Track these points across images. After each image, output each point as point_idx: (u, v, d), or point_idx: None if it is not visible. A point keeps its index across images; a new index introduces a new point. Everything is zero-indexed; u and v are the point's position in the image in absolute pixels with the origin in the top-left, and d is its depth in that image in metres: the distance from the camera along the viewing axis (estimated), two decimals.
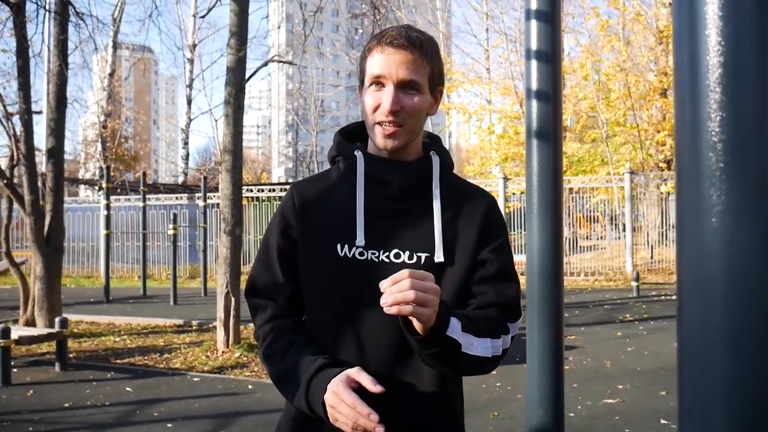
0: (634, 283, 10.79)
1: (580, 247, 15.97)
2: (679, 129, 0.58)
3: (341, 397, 1.15)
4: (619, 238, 15.12)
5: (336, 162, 1.40)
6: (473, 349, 1.21)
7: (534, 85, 1.86)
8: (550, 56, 1.85)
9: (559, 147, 1.87)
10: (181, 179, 26.78)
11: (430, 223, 1.30)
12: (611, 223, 16.41)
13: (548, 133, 1.85)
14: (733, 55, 0.55)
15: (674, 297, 6.80)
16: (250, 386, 5.44)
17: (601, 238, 16.72)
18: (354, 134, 1.43)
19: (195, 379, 5.71)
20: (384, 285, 1.10)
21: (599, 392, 5.09)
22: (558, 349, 1.88)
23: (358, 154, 1.33)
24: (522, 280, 1.79)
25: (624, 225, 14.12)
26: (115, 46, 22.04)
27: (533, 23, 1.88)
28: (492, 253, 1.32)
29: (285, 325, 1.37)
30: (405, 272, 1.10)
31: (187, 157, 26.13)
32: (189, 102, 25.40)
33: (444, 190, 1.33)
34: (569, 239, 14.94)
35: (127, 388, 5.39)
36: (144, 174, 13.05)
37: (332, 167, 1.42)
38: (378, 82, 1.27)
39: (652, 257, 14.87)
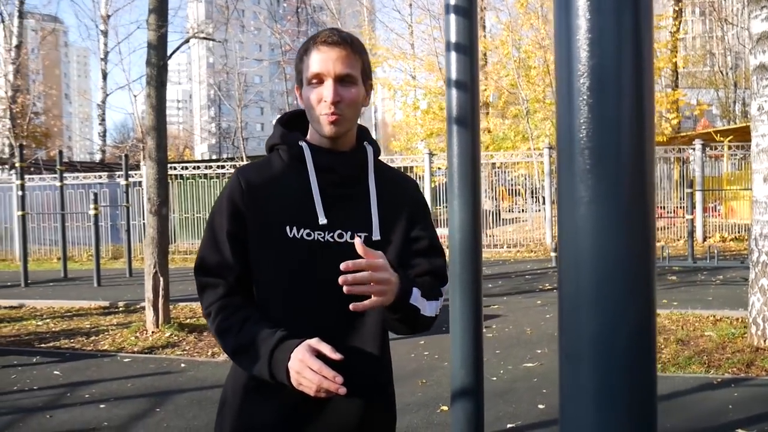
0: (553, 254, 11.35)
1: (503, 219, 16.55)
2: (558, 137, 0.75)
3: (307, 364, 1.29)
4: (540, 210, 15.77)
5: (276, 150, 1.53)
6: (426, 311, 1.44)
7: (454, 75, 2.02)
8: (468, 49, 2.02)
9: (477, 132, 2.05)
10: (98, 157, 25.76)
11: (367, 205, 1.48)
12: (532, 197, 17.09)
13: (467, 119, 2.02)
14: (599, 80, 0.71)
15: None
16: (182, 365, 5.48)
17: (523, 210, 17.37)
18: (292, 123, 1.56)
19: (126, 360, 5.69)
20: (346, 266, 1.26)
21: (520, 357, 5.43)
22: (478, 315, 2.08)
23: (304, 144, 1.48)
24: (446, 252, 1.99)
25: (543, 198, 14.73)
26: (21, 15, 20.82)
27: (452, 18, 2.04)
28: (422, 230, 1.55)
29: (237, 301, 1.46)
30: (364, 263, 1.27)
31: (104, 134, 25.11)
32: (104, 76, 24.34)
33: (376, 176, 1.52)
34: (493, 212, 15.46)
35: (55, 372, 5.32)
36: (60, 152, 12.52)
37: (272, 155, 1.54)
38: (317, 78, 1.42)
39: None
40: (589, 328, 0.73)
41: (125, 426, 4.01)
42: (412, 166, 15.76)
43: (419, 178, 15.61)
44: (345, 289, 1.25)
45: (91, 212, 10.84)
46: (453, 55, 2.04)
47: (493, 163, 15.76)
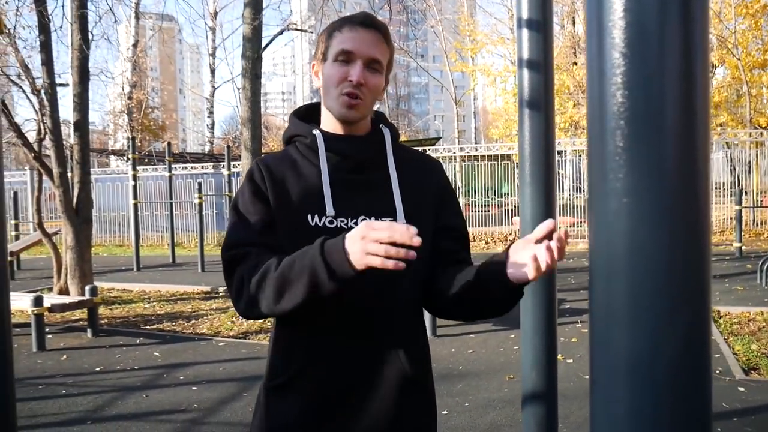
0: None
1: None
2: (589, 114, 0.62)
3: (372, 226, 1.12)
4: None
5: (293, 142, 1.48)
6: None
7: (525, 54, 1.87)
8: (541, 25, 1.85)
9: (551, 116, 1.88)
10: (207, 148, 27.04)
11: (389, 189, 1.41)
12: None
13: (540, 102, 1.86)
14: (637, 43, 0.57)
15: None
16: None
17: None
18: (308, 115, 1.52)
19: (220, 344, 5.89)
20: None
21: None
22: (551, 313, 1.92)
23: (317, 132, 1.42)
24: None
25: None
26: (138, 16, 22.11)
27: None
28: (453, 218, 1.47)
29: (271, 255, 1.31)
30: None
31: (212, 126, 26.31)
32: (212, 71, 25.46)
33: (396, 158, 1.45)
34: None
35: (155, 353, 5.60)
36: (169, 144, 13.22)
37: (289, 147, 1.49)
38: (346, 56, 1.37)
39: None
40: (624, 348, 0.59)
41: (213, 409, 4.14)
42: (510, 154, 15.35)
43: (518, 166, 15.20)
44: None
45: (196, 201, 11.36)
46: (524, 32, 1.88)
47: None
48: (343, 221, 1.38)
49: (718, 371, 4.63)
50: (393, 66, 1.48)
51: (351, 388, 1.37)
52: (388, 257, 1.09)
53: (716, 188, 14.86)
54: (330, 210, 1.37)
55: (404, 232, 1.08)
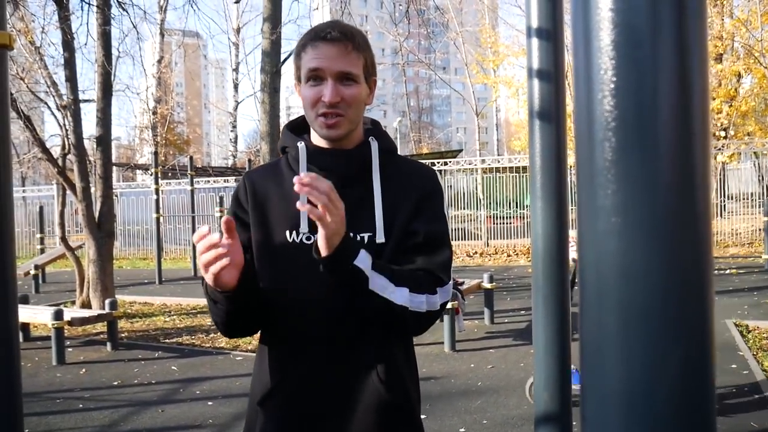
0: None
1: None
2: (575, 124, 0.57)
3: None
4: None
5: (285, 152, 1.47)
6: (388, 293, 1.26)
7: (535, 64, 1.82)
8: (551, 34, 1.81)
9: (563, 127, 1.83)
10: (230, 162, 27.29)
11: (372, 205, 1.36)
12: None
13: (550, 113, 1.81)
14: (627, 46, 0.53)
15: (727, 272, 6.62)
16: None
17: None
18: (301, 126, 1.49)
19: (238, 358, 5.87)
20: (303, 177, 1.15)
21: None
22: (564, 331, 1.86)
23: (300, 145, 1.40)
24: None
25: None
26: (162, 33, 22.47)
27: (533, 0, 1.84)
28: (421, 223, 1.37)
29: None
30: (329, 183, 1.17)
31: (235, 140, 26.56)
32: (235, 86, 25.74)
33: (385, 172, 1.39)
34: None
35: (173, 367, 5.59)
36: (191, 158, 13.35)
37: (282, 157, 1.49)
38: (316, 76, 1.33)
39: None
40: (617, 381, 0.54)
41: (228, 424, 4.10)
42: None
43: None
44: (296, 186, 1.13)
45: (217, 214, 11.42)
46: (534, 42, 1.84)
47: None
48: None
49: (746, 388, 4.48)
50: (375, 67, 1.42)
51: (323, 409, 1.34)
52: (211, 264, 1.19)
53: (744, 199, 14.54)
54: (304, 227, 1.36)
55: (203, 242, 1.18)
